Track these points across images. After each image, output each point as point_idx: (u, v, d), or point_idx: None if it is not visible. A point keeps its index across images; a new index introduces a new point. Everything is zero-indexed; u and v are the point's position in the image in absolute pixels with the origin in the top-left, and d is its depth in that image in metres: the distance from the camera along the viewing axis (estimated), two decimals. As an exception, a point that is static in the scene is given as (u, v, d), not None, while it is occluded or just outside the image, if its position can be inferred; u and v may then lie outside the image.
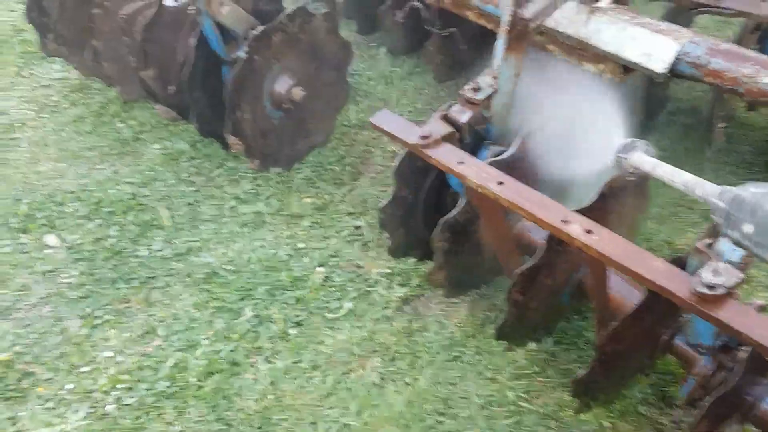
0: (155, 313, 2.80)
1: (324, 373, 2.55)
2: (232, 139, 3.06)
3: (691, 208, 3.12)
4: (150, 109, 3.79)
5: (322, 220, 3.18)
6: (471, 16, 2.78)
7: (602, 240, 1.77)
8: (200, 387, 2.51)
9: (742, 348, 1.91)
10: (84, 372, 2.62)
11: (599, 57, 2.44)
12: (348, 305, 2.78)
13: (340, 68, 3.45)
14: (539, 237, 2.26)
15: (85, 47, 3.56)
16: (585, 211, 2.02)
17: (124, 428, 2.39)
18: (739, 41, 2.75)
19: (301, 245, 3.06)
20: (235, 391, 2.50)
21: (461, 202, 2.27)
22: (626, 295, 2.14)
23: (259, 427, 2.38)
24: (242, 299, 2.82)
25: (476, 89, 2.20)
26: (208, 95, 3.11)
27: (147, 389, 2.52)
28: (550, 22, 2.43)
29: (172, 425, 2.39)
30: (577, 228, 1.81)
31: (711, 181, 3.16)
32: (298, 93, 3.19)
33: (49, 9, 3.75)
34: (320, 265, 2.94)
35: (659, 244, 2.95)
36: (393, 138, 2.23)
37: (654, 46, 2.29)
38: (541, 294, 2.20)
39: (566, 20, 2.43)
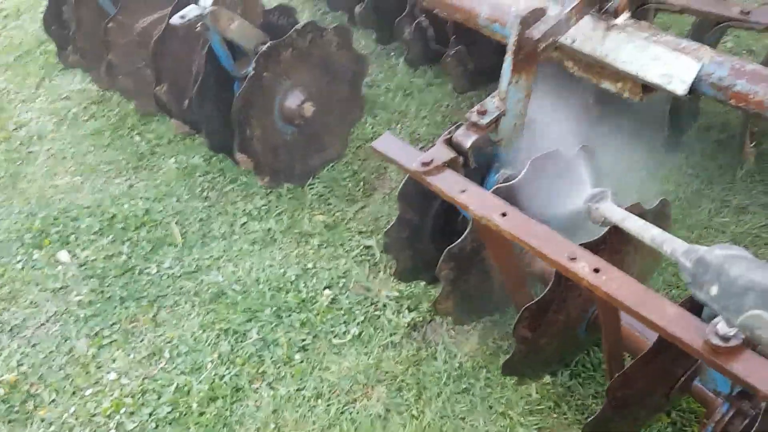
0: (162, 333, 2.77)
1: (327, 401, 2.47)
2: (240, 156, 3.00)
3: (722, 231, 2.95)
4: (167, 123, 3.76)
5: (333, 239, 3.10)
6: (485, 31, 2.66)
7: (610, 280, 1.65)
8: (202, 413, 2.47)
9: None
10: (88, 395, 2.61)
11: (618, 75, 2.31)
12: (354, 330, 2.70)
13: (354, 82, 3.37)
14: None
15: (101, 61, 3.55)
16: (597, 244, 1.91)
17: (123, 456, 2.36)
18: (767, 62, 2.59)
19: (309, 265, 2.99)
20: (236, 418, 2.45)
21: (468, 230, 2.16)
22: (642, 332, 2.01)
23: (259, 459, 2.32)
24: (249, 321, 2.77)
25: (483, 112, 2.09)
26: (219, 111, 3.06)
27: (149, 414, 2.50)
28: (566, 39, 2.31)
29: (170, 454, 2.35)
30: (584, 266, 1.69)
31: (740, 201, 3.04)
32: (309, 108, 3.12)
33: (68, 21, 3.77)
34: (328, 287, 2.87)
35: (685, 270, 2.79)
36: (395, 164, 2.14)
37: (674, 66, 2.15)
38: (553, 329, 2.08)
39: (582, 37, 2.30)
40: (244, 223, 3.22)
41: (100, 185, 3.48)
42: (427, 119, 3.73)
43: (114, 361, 2.69)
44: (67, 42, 3.84)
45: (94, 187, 3.48)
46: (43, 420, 2.52)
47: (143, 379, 2.61)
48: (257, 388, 2.53)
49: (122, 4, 3.38)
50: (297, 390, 2.51)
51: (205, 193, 3.39)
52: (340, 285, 2.90)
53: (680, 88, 2.14)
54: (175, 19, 2.71)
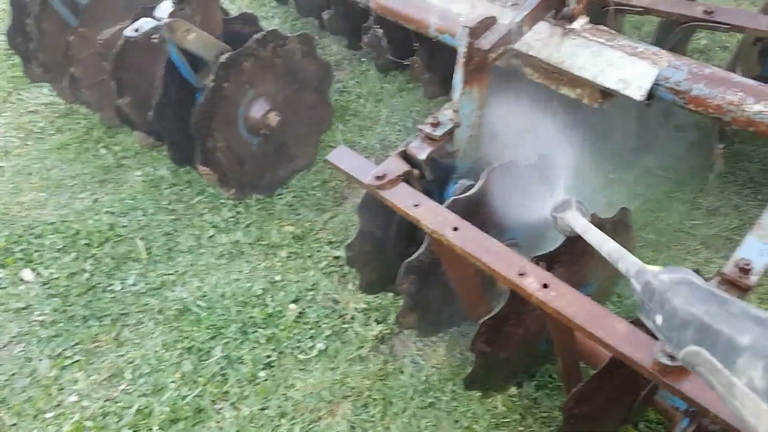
0: (125, 353, 2.72)
1: (291, 420, 2.43)
2: (203, 169, 2.95)
3: (693, 234, 2.91)
4: (134, 135, 3.70)
5: (302, 250, 3.06)
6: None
7: (559, 296, 1.61)
8: (163, 436, 2.41)
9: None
10: (49, 417, 2.55)
11: (576, 81, 2.26)
12: (321, 345, 2.65)
13: (321, 90, 3.31)
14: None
15: (65, 74, 3.49)
16: (553, 255, 1.87)
17: (80, 482, 2.30)
18: (738, 58, 2.54)
19: (277, 278, 2.94)
20: (198, 440, 2.40)
21: (426, 243, 2.12)
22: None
23: (219, 482, 2.27)
24: (213, 338, 2.72)
25: (436, 124, 2.04)
26: (181, 123, 3.00)
27: (109, 437, 2.44)
28: (522, 46, 2.26)
29: (129, 479, 2.30)
30: (532, 282, 1.65)
31: (711, 203, 3.00)
32: (274, 118, 3.07)
33: (32, 34, 3.70)
34: (294, 301, 2.82)
35: (655, 274, 2.74)
36: (349, 178, 2.09)
37: (631, 72, 2.10)
38: (512, 343, 2.04)
39: (539, 43, 2.25)
40: (212, 236, 3.17)
41: (65, 200, 3.42)
42: (398, 125, 3.69)
43: (76, 382, 2.64)
44: (32, 56, 3.77)
45: (59, 202, 3.42)
46: (2, 446, 2.47)
47: (104, 401, 2.55)
48: (220, 409, 2.48)
49: (84, 16, 3.32)
50: (260, 409, 2.46)
51: (171, 206, 3.34)
52: (308, 298, 2.85)
53: (637, 93, 2.10)
54: (129, 32, 2.65)
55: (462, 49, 1.94)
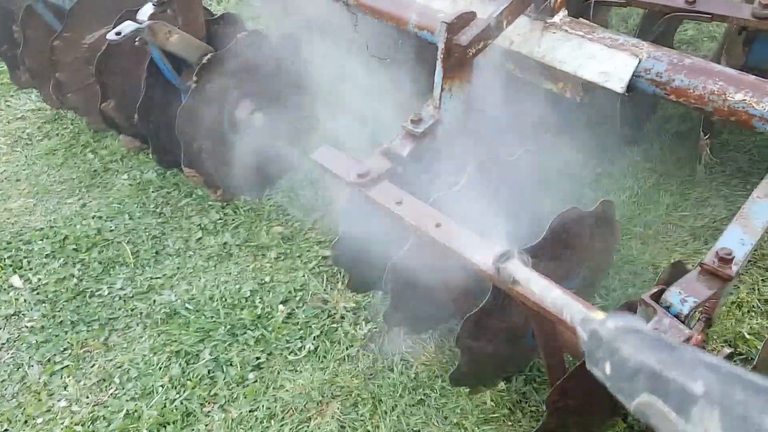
0: (113, 357, 2.71)
1: (281, 422, 2.42)
2: (188, 171, 2.94)
3: (681, 225, 2.90)
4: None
5: (291, 250, 3.05)
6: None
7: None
8: (151, 440, 2.41)
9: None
10: (39, 423, 2.54)
11: (557, 75, 2.25)
12: (310, 345, 2.64)
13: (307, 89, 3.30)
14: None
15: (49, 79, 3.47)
16: (532, 249, 1.86)
17: (70, 488, 2.30)
18: (722, 47, 2.53)
19: (266, 279, 2.93)
20: (187, 443, 2.39)
21: (411, 240, 2.11)
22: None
23: (208, 485, 2.26)
24: (201, 341, 2.71)
25: (417, 121, 2.04)
26: (166, 126, 2.99)
27: (99, 442, 2.43)
28: (504, 41, 2.25)
29: (118, 484, 2.29)
30: (513, 276, 1.63)
31: (700, 193, 2.99)
32: (259, 118, 3.06)
33: (18, 41, 3.69)
34: (283, 302, 2.81)
35: (643, 267, 2.74)
36: (332, 176, 2.08)
37: (611, 64, 2.09)
38: (497, 338, 2.03)
39: (519, 38, 2.25)
40: (199, 238, 3.16)
41: (52, 206, 3.41)
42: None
43: (65, 387, 2.63)
44: (18, 62, 3.76)
45: (47, 208, 3.41)
46: (-8, 453, 2.46)
47: (94, 405, 2.55)
48: (209, 412, 2.47)
49: (68, 20, 3.31)
50: (250, 411, 2.46)
51: (159, 209, 3.33)
52: (297, 298, 2.85)
53: (618, 85, 2.09)
54: (111, 36, 2.64)
55: (441, 45, 1.93)
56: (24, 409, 2.58)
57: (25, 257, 3.16)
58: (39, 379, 2.68)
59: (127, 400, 2.53)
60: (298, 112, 3.22)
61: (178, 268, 3.02)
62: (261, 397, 2.49)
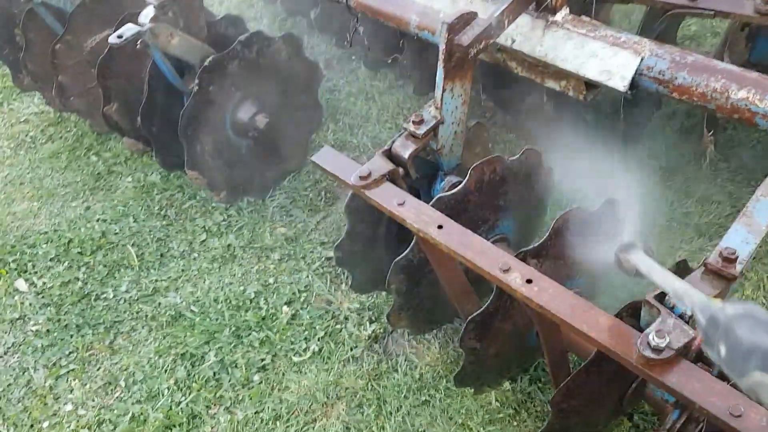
0: (119, 360, 2.72)
1: (286, 423, 2.42)
2: (191, 173, 2.94)
3: (686, 222, 2.89)
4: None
5: (294, 251, 3.05)
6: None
7: (542, 291, 1.60)
8: (157, 443, 2.41)
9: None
10: (45, 427, 2.55)
11: (560, 74, 2.24)
12: (315, 346, 2.65)
13: (309, 90, 3.30)
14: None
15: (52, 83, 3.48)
16: (536, 250, 1.86)
17: (76, 491, 2.31)
18: (725, 44, 2.52)
19: (270, 280, 2.93)
20: (192, 446, 2.40)
21: (414, 241, 2.10)
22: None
23: (214, 488, 2.27)
24: (206, 343, 2.71)
25: (419, 122, 2.03)
26: (169, 128, 2.99)
27: (105, 446, 2.44)
28: (506, 40, 2.24)
29: (124, 487, 2.30)
30: (516, 277, 1.64)
31: (704, 190, 2.98)
32: (262, 120, 3.06)
33: (20, 44, 3.70)
34: (287, 303, 2.81)
35: (649, 265, 2.73)
36: (334, 178, 2.08)
37: (613, 62, 2.08)
38: (501, 339, 2.03)
39: (521, 37, 2.24)
40: (204, 241, 3.17)
41: (57, 209, 3.42)
42: (389, 123, 3.67)
43: (71, 391, 2.64)
44: (21, 65, 3.76)
45: (51, 211, 3.42)
46: (-2, 457, 2.47)
47: (99, 409, 2.55)
48: (214, 414, 2.48)
49: (70, 24, 3.31)
50: (255, 413, 2.46)
51: (163, 212, 3.33)
52: (302, 299, 2.85)
53: (620, 84, 2.08)
54: (113, 39, 2.64)
55: (442, 46, 1.93)
56: (30, 413, 2.59)
57: (29, 261, 3.17)
58: (45, 383, 2.69)
59: (132, 403, 2.54)
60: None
61: (182, 270, 3.03)
62: (266, 399, 2.50)
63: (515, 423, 2.32)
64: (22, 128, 3.98)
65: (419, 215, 1.87)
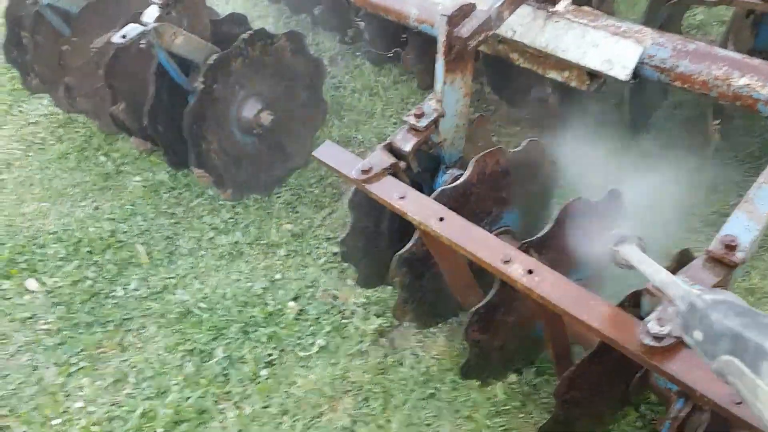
0: (128, 357, 2.74)
1: (293, 418, 2.43)
2: (197, 171, 2.96)
3: (693, 213, 2.87)
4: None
5: (301, 247, 3.06)
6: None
7: (543, 281, 1.60)
8: (167, 438, 2.44)
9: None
10: (56, 424, 2.57)
11: (562, 64, 2.24)
12: (321, 341, 2.66)
13: (313, 86, 3.31)
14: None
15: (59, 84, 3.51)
16: (539, 241, 1.86)
17: (88, 486, 2.33)
18: (730, 31, 2.50)
19: (277, 276, 2.95)
20: (202, 441, 2.41)
21: (416, 234, 2.11)
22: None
23: (223, 481, 2.29)
24: (214, 339, 2.73)
25: (420, 115, 2.03)
26: (175, 127, 3.01)
27: (115, 442, 2.46)
28: (507, 31, 2.24)
29: (134, 481, 2.32)
30: (518, 269, 1.64)
31: (711, 180, 2.96)
32: (267, 117, 3.08)
33: (28, 46, 3.73)
34: (294, 299, 2.82)
35: (654, 255, 2.71)
36: (336, 173, 2.09)
37: (615, 52, 2.07)
38: (505, 331, 2.03)
39: (522, 27, 2.23)
40: (211, 238, 3.19)
41: (66, 209, 3.45)
42: (394, 118, 3.68)
43: (81, 388, 2.66)
44: (29, 68, 3.80)
45: (61, 211, 3.45)
46: (12, 453, 2.50)
47: (110, 405, 2.58)
48: (223, 409, 2.50)
49: (76, 25, 3.34)
50: (263, 408, 2.48)
51: (171, 210, 3.36)
52: (308, 295, 2.86)
53: (622, 73, 2.07)
54: (117, 39, 2.66)
55: (441, 38, 1.93)
56: (41, 410, 2.62)
57: (40, 260, 3.20)
58: (56, 380, 2.71)
59: (142, 400, 2.56)
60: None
61: (191, 267, 3.05)
62: (274, 394, 2.51)
63: (521, 415, 2.32)
64: (32, 130, 4.01)
65: (420, 208, 1.87)
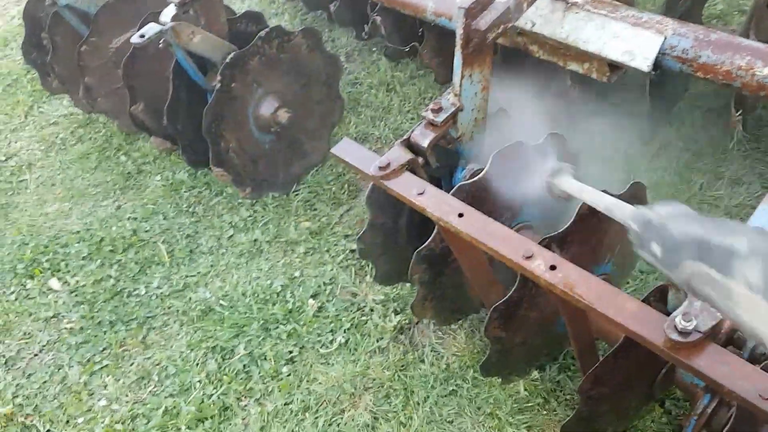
0: (151, 355, 2.76)
1: (315, 414, 2.44)
2: (216, 170, 2.97)
3: (716, 205, 2.83)
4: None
5: (319, 245, 3.06)
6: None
7: (567, 277, 1.58)
8: (190, 435, 2.45)
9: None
10: (80, 423, 2.61)
11: (582, 56, 2.21)
12: (341, 338, 2.66)
13: (330, 84, 3.31)
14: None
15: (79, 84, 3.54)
16: (561, 236, 1.84)
17: (113, 484, 2.35)
18: (751, 21, 2.45)
19: (296, 274, 2.96)
20: (224, 438, 2.43)
21: (435, 231, 2.10)
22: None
23: (246, 478, 2.30)
24: (236, 336, 2.74)
25: (437, 110, 2.02)
26: (194, 126, 3.02)
27: (139, 439, 2.48)
28: (525, 23, 2.22)
29: (158, 479, 2.34)
30: (539, 264, 1.62)
31: (734, 172, 2.91)
32: (284, 115, 3.08)
33: (48, 47, 3.76)
34: (313, 296, 2.83)
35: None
36: (354, 170, 2.08)
37: (636, 42, 2.04)
38: (527, 327, 2.01)
39: (541, 19, 2.21)
40: (231, 236, 3.20)
41: (88, 209, 3.49)
42: (411, 113, 3.66)
43: (105, 387, 2.69)
44: (48, 69, 3.83)
45: (83, 211, 3.48)
46: (37, 452, 2.54)
47: (133, 403, 2.60)
48: (245, 406, 2.51)
49: (94, 25, 3.36)
50: (284, 404, 2.48)
51: (191, 209, 3.37)
52: (327, 292, 2.86)
53: (644, 64, 2.04)
54: (136, 39, 2.67)
55: (459, 31, 1.91)
56: (65, 409, 2.65)
57: (62, 260, 3.24)
58: (79, 379, 2.74)
59: (165, 397, 2.58)
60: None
61: (211, 265, 3.06)
62: (295, 391, 2.52)
63: (544, 412, 2.30)
64: (52, 130, 4.05)
65: (439, 204, 1.86)
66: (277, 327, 2.75)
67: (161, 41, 2.75)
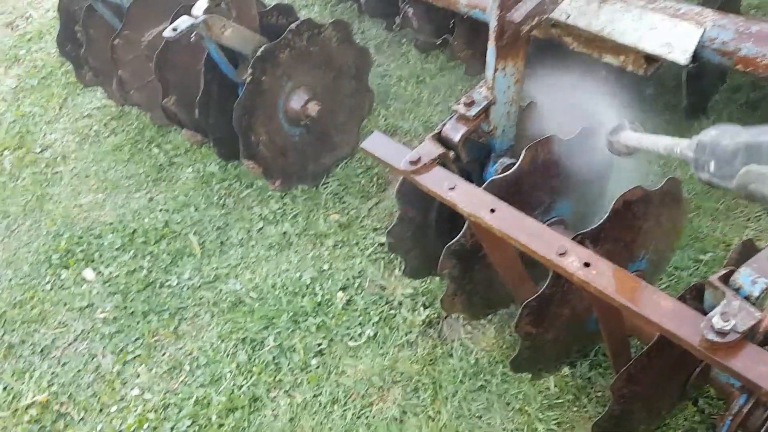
0: (183, 345, 2.80)
1: (344, 407, 2.45)
2: (247, 163, 2.99)
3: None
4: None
5: (348, 238, 3.07)
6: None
7: (601, 275, 1.55)
8: (221, 425, 2.49)
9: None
10: (113, 411, 2.65)
11: (618, 48, 2.17)
12: (370, 331, 2.66)
13: (359, 76, 3.30)
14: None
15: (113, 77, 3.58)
16: (595, 232, 1.81)
17: (145, 471, 2.39)
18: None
19: (325, 266, 2.96)
20: (254, 429, 2.46)
21: (466, 225, 2.08)
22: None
23: (275, 469, 2.32)
24: (265, 328, 2.76)
25: (470, 103, 2.00)
26: (225, 119, 3.04)
27: (171, 428, 2.53)
28: (560, 15, 2.18)
29: (190, 468, 2.38)
30: (573, 261, 1.60)
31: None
32: (314, 108, 3.08)
33: (81, 40, 3.82)
34: (342, 289, 2.83)
35: (714, 244, 2.63)
36: (384, 164, 2.07)
37: (674, 35, 2.00)
38: (558, 324, 1.99)
39: (576, 11, 2.17)
40: (261, 228, 3.22)
41: (121, 201, 3.54)
42: (441, 106, 3.64)
43: (138, 376, 2.73)
44: (83, 61, 3.89)
45: (116, 203, 3.53)
46: (72, 439, 2.59)
47: (165, 393, 2.64)
48: (274, 397, 2.53)
49: (127, 19, 3.40)
50: (314, 396, 2.50)
51: (222, 201, 3.40)
52: (356, 285, 2.87)
53: (682, 57, 2.00)
54: (168, 32, 2.69)
55: (493, 23, 1.89)
56: (99, 397, 2.70)
57: (96, 251, 3.29)
58: (112, 368, 2.79)
59: (196, 387, 2.61)
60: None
61: (241, 257, 3.09)
62: (324, 383, 2.53)
63: (575, 408, 2.28)
64: (86, 123, 4.12)
65: (471, 199, 1.84)
66: (306, 319, 2.76)
67: (193, 34, 2.77)
